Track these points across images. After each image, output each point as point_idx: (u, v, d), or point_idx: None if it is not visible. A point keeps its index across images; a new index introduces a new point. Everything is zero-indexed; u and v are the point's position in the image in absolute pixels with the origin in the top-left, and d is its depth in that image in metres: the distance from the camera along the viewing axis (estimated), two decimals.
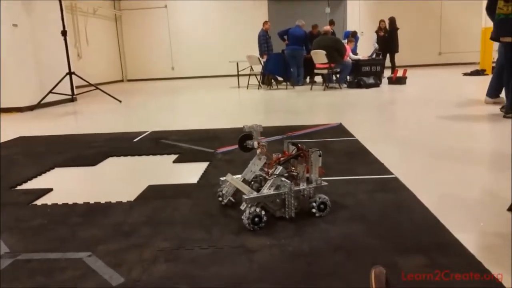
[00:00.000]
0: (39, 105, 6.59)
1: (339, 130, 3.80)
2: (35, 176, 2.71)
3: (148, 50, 14.88)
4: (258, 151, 1.94)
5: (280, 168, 1.81)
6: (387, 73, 9.50)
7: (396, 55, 10.37)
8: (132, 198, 2.18)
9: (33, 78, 6.63)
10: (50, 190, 2.40)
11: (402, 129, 3.82)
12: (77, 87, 7.48)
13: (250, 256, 1.51)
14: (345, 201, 1.98)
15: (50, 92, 6.68)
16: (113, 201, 2.15)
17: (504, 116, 4.11)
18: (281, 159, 1.92)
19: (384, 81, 8.85)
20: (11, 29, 6.17)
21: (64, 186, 2.51)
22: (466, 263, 1.37)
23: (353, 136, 3.46)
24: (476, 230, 1.65)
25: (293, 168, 1.91)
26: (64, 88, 6.93)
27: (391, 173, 2.38)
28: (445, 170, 2.45)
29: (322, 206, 1.80)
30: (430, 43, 14.67)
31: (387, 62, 9.97)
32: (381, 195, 2.05)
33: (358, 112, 4.94)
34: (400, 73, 8.60)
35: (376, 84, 8.19)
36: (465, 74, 9.90)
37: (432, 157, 2.76)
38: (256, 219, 1.68)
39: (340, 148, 3.08)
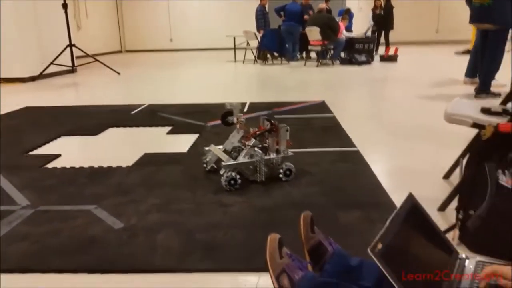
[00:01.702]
0: (41, 76, 6.87)
1: (321, 107, 4.13)
2: (44, 144, 3.06)
3: (147, 21, 14.96)
4: (237, 125, 2.28)
5: (254, 140, 2.16)
6: (382, 49, 9.73)
7: (391, 33, 10.57)
8: (130, 164, 2.55)
9: (34, 50, 6.89)
10: (59, 155, 2.76)
11: (378, 107, 4.16)
12: (77, 57, 7.72)
13: (225, 209, 1.88)
14: (310, 169, 2.34)
15: (51, 63, 6.94)
16: (114, 165, 2.51)
17: (475, 96, 4.44)
18: (257, 132, 2.27)
19: (377, 58, 9.10)
20: (12, 1, 6.38)
21: (70, 152, 2.86)
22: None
23: (332, 113, 3.80)
24: (407, 193, 2.02)
25: (267, 140, 2.27)
26: (65, 59, 7.20)
27: (355, 146, 2.74)
28: (401, 145, 2.82)
29: (288, 172, 2.16)
30: (427, 20, 14.77)
31: (382, 39, 10.19)
32: (341, 164, 2.42)
33: (343, 90, 5.26)
34: (392, 51, 8.84)
35: (368, 62, 8.46)
36: (457, 53, 10.13)
37: (394, 133, 3.12)
38: (232, 181, 2.05)
39: (318, 124, 3.43)
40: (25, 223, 1.80)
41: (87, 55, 7.54)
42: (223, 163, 2.08)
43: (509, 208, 1.44)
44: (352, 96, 4.83)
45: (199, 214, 1.84)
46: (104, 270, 1.45)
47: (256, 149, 2.15)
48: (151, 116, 3.92)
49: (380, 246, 0.97)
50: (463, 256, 1.20)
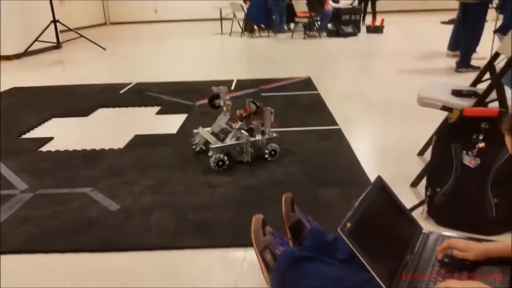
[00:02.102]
0: (26, 53, 6.80)
1: (307, 83, 4.23)
2: (36, 126, 3.13)
3: None
4: (224, 108, 2.39)
5: (240, 123, 2.28)
6: (368, 19, 9.73)
7: (378, 2, 10.53)
8: (122, 146, 2.65)
9: (18, 27, 6.78)
10: (52, 138, 2.85)
11: (361, 83, 4.27)
12: (61, 31, 7.62)
13: (213, 189, 2.02)
14: (294, 149, 2.47)
15: (36, 40, 6.86)
16: (106, 148, 2.61)
17: (456, 70, 4.57)
18: (243, 115, 2.38)
19: (363, 29, 9.12)
20: None
21: (63, 135, 2.95)
22: None
23: (316, 90, 3.90)
24: (383, 170, 2.17)
25: (253, 122, 2.38)
26: (49, 35, 7.11)
27: (337, 125, 2.87)
28: (381, 122, 2.96)
29: (272, 152, 2.29)
30: None
31: (369, 9, 10.17)
32: (324, 143, 2.55)
33: (328, 65, 5.34)
34: (378, 22, 8.86)
35: (354, 33, 8.48)
36: (442, 23, 10.17)
37: (376, 110, 3.25)
38: (220, 162, 2.17)
39: (303, 102, 3.53)
40: (25, 207, 1.91)
41: (72, 30, 7.45)
42: (211, 146, 2.20)
43: (471, 186, 1.60)
44: (336, 71, 4.92)
45: (189, 194, 1.97)
46: (103, 249, 1.58)
47: (242, 131, 2.26)
48: (139, 95, 3.98)
49: (348, 225, 1.11)
50: (426, 231, 1.35)
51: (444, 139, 1.70)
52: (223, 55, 6.62)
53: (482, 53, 4.83)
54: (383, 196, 1.33)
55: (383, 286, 1.06)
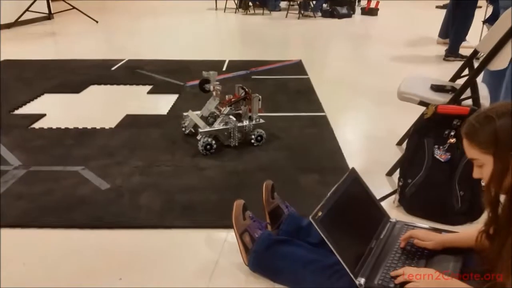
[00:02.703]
0: (17, 23, 6.72)
1: (297, 67, 4.29)
2: (28, 101, 3.18)
3: None
4: (214, 93, 2.46)
5: (228, 109, 2.36)
6: (363, 1, 9.69)
7: None
8: (113, 125, 2.72)
9: None
10: (44, 115, 2.91)
11: (351, 68, 4.34)
12: (53, 0, 7.51)
13: (201, 172, 2.11)
14: (280, 134, 2.57)
15: (27, 10, 6.77)
16: (98, 127, 2.69)
17: (444, 59, 4.65)
18: (232, 100, 2.46)
19: (358, 10, 9.09)
20: None
21: (55, 111, 3.00)
22: None
23: (307, 75, 3.97)
24: (362, 158, 2.29)
25: (241, 107, 2.46)
26: (41, 5, 7.01)
27: (323, 111, 2.96)
28: (366, 110, 3.06)
29: (259, 138, 2.39)
30: None
31: None
32: (309, 130, 2.65)
33: (320, 47, 5.39)
34: (373, 4, 8.84)
35: (349, 15, 8.47)
36: (437, 7, 10.17)
37: (362, 97, 3.34)
38: (208, 146, 2.27)
39: (293, 87, 3.61)
40: (20, 183, 2.00)
41: (64, 1, 7.35)
42: (200, 130, 2.28)
43: (440, 179, 1.71)
44: (328, 55, 4.98)
45: (177, 176, 2.07)
46: (94, 226, 1.68)
47: (230, 116, 2.35)
48: (131, 73, 4.02)
49: (320, 214, 1.23)
50: (393, 220, 1.47)
51: (418, 134, 1.80)
52: (216, 32, 6.61)
53: (472, 42, 4.90)
54: (355, 186, 1.44)
55: (348, 270, 1.18)
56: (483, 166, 1.04)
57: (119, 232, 1.66)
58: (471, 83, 1.86)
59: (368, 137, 2.59)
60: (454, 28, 4.58)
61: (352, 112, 3.05)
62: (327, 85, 3.67)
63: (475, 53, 2.18)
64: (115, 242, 1.60)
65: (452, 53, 4.62)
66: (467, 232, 1.26)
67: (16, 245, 1.58)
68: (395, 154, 2.33)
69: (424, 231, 1.35)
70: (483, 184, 1.69)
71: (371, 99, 3.29)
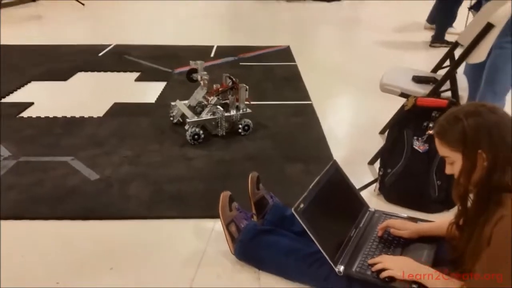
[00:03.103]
0: (0, 5, 6.58)
1: (285, 54, 4.31)
2: (16, 90, 3.17)
3: None
4: (201, 83, 2.49)
5: (216, 99, 2.39)
6: None
7: None
8: (101, 114, 2.74)
9: None
10: (32, 103, 2.91)
11: (339, 55, 4.37)
12: None
13: (189, 162, 2.16)
14: (267, 123, 2.62)
15: None
16: (86, 116, 2.70)
17: (430, 45, 4.71)
18: (219, 89, 2.49)
19: None
20: None
21: (43, 100, 3.00)
22: None
23: (294, 62, 4.00)
24: (346, 147, 2.35)
25: (229, 96, 2.50)
26: None
27: (309, 100, 3.01)
28: (352, 98, 3.12)
29: (246, 127, 2.44)
30: None
31: None
32: (295, 118, 2.70)
33: (309, 33, 5.40)
34: None
35: None
36: None
37: (349, 85, 3.39)
38: (196, 136, 2.31)
39: (280, 74, 3.64)
40: (10, 173, 2.03)
41: None
42: (188, 120, 2.32)
43: (418, 169, 1.79)
44: (316, 41, 5.00)
45: (166, 166, 2.12)
46: (85, 217, 1.73)
47: (218, 106, 2.38)
48: (119, 59, 4.00)
49: (302, 205, 1.29)
50: (372, 209, 1.55)
51: (398, 125, 1.87)
52: (204, 16, 6.54)
53: (459, 28, 4.95)
54: (336, 178, 1.50)
55: (328, 258, 1.25)
56: (454, 163, 1.11)
57: (109, 223, 1.71)
58: (450, 76, 1.92)
59: (352, 126, 2.65)
60: (440, 14, 4.62)
61: (338, 100, 3.10)
62: (314, 72, 3.70)
63: (456, 44, 2.23)
64: (105, 233, 1.65)
65: (438, 39, 4.67)
66: (441, 222, 1.34)
67: (8, 237, 1.62)
68: (378, 143, 2.39)
69: (400, 220, 1.42)
70: None
71: (357, 87, 3.35)
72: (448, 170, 1.15)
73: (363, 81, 3.48)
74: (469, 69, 2.50)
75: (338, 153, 2.26)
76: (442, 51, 4.50)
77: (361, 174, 2.07)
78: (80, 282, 1.40)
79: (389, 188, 1.85)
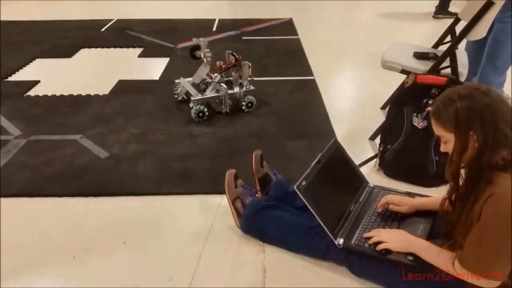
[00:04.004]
0: None
1: (288, 27, 4.29)
2: (21, 67, 3.21)
3: None
4: (204, 60, 2.52)
5: (219, 77, 2.43)
6: None
7: None
8: (106, 92, 2.79)
9: None
10: (38, 82, 2.95)
11: (342, 28, 4.36)
12: None
13: (194, 139, 2.22)
14: (270, 100, 2.66)
15: None
16: (92, 93, 2.75)
17: (433, 16, 4.66)
18: (222, 67, 2.52)
19: None
20: None
21: (48, 78, 3.04)
22: None
23: (297, 35, 3.99)
24: (347, 123, 2.40)
25: (232, 73, 2.53)
26: None
27: (312, 75, 3.03)
28: (355, 73, 3.14)
29: (249, 104, 2.48)
30: None
31: None
32: (297, 94, 2.74)
33: (311, 5, 5.34)
34: None
35: None
36: None
37: (352, 59, 3.41)
38: (200, 114, 2.36)
39: (282, 49, 3.64)
40: (22, 153, 2.10)
41: None
42: (192, 98, 2.37)
43: (417, 145, 1.84)
44: (319, 13, 4.96)
45: (172, 144, 2.18)
46: (96, 194, 1.81)
47: (221, 84, 2.42)
48: (121, 34, 4.01)
49: (304, 183, 1.36)
50: (371, 185, 1.61)
51: (399, 102, 1.91)
52: None
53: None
54: (337, 155, 1.56)
55: (328, 232, 1.33)
56: (447, 142, 1.16)
57: (120, 199, 1.79)
58: (450, 53, 1.94)
59: (354, 101, 2.69)
60: None
61: (340, 76, 3.13)
62: (317, 46, 3.71)
63: (457, 19, 2.24)
64: (117, 209, 1.73)
65: (441, 10, 4.62)
66: (438, 197, 1.40)
67: (22, 214, 1.70)
68: (379, 118, 2.43)
69: (398, 196, 1.49)
70: None
71: (358, 61, 3.36)
72: (443, 148, 1.20)
73: (364, 55, 3.49)
74: (470, 44, 2.51)
75: (340, 129, 2.31)
76: (446, 22, 4.48)
77: (362, 150, 2.13)
78: (95, 255, 1.49)
79: (389, 164, 1.91)
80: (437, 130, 1.18)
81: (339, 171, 1.56)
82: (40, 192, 1.81)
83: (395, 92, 2.44)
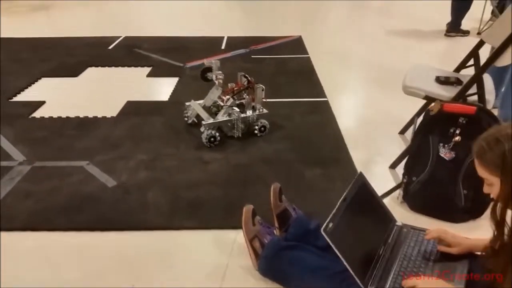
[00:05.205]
0: None
1: (297, 45, 4.22)
2: (26, 87, 3.14)
3: None
4: (216, 82, 2.43)
5: (231, 100, 2.34)
6: None
7: None
8: (114, 113, 2.70)
9: None
10: (43, 102, 2.87)
11: (350, 44, 4.26)
12: None
13: (205, 166, 2.12)
14: (282, 123, 2.56)
15: None
16: (99, 115, 2.67)
17: (445, 34, 4.59)
18: (235, 89, 2.44)
19: None
20: None
21: (54, 98, 2.97)
22: (349, 174, 2.03)
23: (307, 54, 3.91)
24: (364, 148, 2.30)
25: (244, 96, 2.44)
26: None
27: (325, 96, 2.94)
28: (368, 93, 3.04)
29: (262, 129, 2.39)
30: None
31: None
32: (311, 117, 2.64)
33: (319, 20, 5.29)
34: None
35: None
36: None
37: (364, 78, 3.32)
38: (212, 139, 2.27)
39: (293, 68, 3.56)
40: (25, 180, 2.00)
41: None
42: (204, 122, 2.27)
43: (444, 177, 1.74)
44: (327, 30, 4.90)
45: (183, 171, 2.08)
46: (103, 228, 1.70)
47: (234, 108, 2.33)
48: (129, 53, 3.95)
49: (331, 225, 1.25)
50: (399, 223, 1.50)
51: (423, 130, 1.81)
52: (214, 2, 6.41)
53: (474, 16, 4.81)
54: (363, 191, 1.45)
55: (358, 280, 1.22)
56: (492, 186, 1.06)
57: (128, 234, 1.68)
58: (477, 80, 1.85)
59: (370, 125, 2.59)
60: (455, 2, 4.48)
61: (353, 96, 3.04)
62: (328, 65, 3.63)
63: (480, 43, 2.14)
64: (125, 245, 1.63)
65: (453, 28, 4.55)
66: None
67: (27, 249, 1.60)
68: (398, 144, 2.34)
69: (452, 233, 1.35)
70: None
71: (372, 80, 3.27)
72: (486, 190, 1.10)
73: (378, 73, 3.41)
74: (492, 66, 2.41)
75: (357, 155, 2.21)
76: (458, 41, 4.40)
77: (382, 179, 2.02)
78: None
79: (414, 197, 1.80)
80: (481, 172, 1.08)
81: (366, 209, 1.45)
82: (44, 225, 1.71)
83: (414, 116, 2.34)
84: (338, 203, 1.32)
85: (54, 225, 1.71)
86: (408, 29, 4.82)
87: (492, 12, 4.75)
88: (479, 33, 4.57)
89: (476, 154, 1.08)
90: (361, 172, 1.49)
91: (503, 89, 2.55)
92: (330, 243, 1.22)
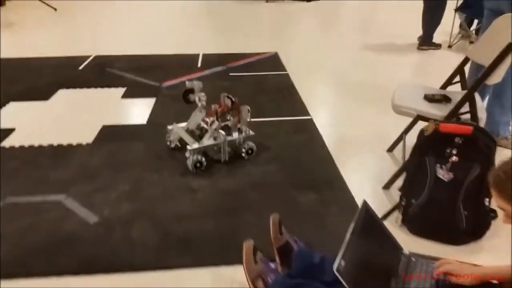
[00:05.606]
0: None
1: (275, 61, 4.17)
2: None
3: None
4: (199, 104, 2.33)
5: (217, 123, 2.24)
6: None
7: None
8: (90, 140, 2.55)
9: None
10: (13, 130, 2.68)
11: (326, 59, 4.25)
12: None
13: (192, 195, 2.01)
14: (268, 143, 2.48)
15: None
16: (74, 143, 2.51)
17: (418, 48, 4.66)
18: (218, 111, 2.34)
19: None
20: None
21: (25, 124, 2.78)
22: (344, 197, 1.97)
23: (285, 70, 3.87)
24: (354, 167, 2.25)
25: (229, 117, 2.35)
26: None
27: (308, 114, 2.89)
28: (351, 109, 3.01)
29: (249, 151, 2.30)
30: None
31: None
32: (297, 136, 2.58)
33: (293, 36, 5.28)
34: None
35: None
36: None
37: (345, 93, 3.30)
38: (198, 164, 2.16)
39: (273, 85, 3.50)
40: None
41: None
42: (189, 147, 2.17)
43: (443, 199, 1.70)
44: (303, 45, 4.89)
45: (169, 201, 1.96)
46: (86, 271, 1.56)
47: (219, 131, 2.24)
48: (101, 73, 3.79)
49: (343, 263, 1.17)
50: (406, 252, 1.44)
51: (419, 151, 1.77)
52: (187, 18, 6.32)
53: (444, 29, 4.92)
54: (369, 221, 1.39)
55: None
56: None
57: (114, 277, 1.54)
58: (469, 99, 1.83)
59: (356, 142, 2.55)
60: (426, 16, 4.56)
61: (336, 112, 3.01)
62: (307, 81, 3.59)
63: (465, 60, 2.15)
64: None
65: (426, 42, 4.63)
66: (505, 266, 1.22)
67: None
68: (387, 162, 2.31)
69: (457, 263, 1.30)
70: (486, 204, 1.69)
71: (352, 96, 3.25)
72: (505, 221, 1.05)
73: (358, 89, 3.39)
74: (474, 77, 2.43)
75: (348, 176, 2.16)
76: (431, 54, 4.47)
77: (377, 200, 1.97)
78: None
79: (414, 220, 1.75)
80: (499, 202, 1.03)
81: (375, 240, 1.38)
82: (21, 272, 1.55)
83: (402, 134, 2.32)
84: (347, 238, 1.24)
85: (32, 270, 1.55)
86: (382, 44, 4.87)
87: (460, 25, 4.90)
88: (450, 46, 4.68)
89: (493, 185, 1.03)
90: (365, 200, 1.42)
91: (485, 106, 2.57)
92: (344, 283, 1.14)
